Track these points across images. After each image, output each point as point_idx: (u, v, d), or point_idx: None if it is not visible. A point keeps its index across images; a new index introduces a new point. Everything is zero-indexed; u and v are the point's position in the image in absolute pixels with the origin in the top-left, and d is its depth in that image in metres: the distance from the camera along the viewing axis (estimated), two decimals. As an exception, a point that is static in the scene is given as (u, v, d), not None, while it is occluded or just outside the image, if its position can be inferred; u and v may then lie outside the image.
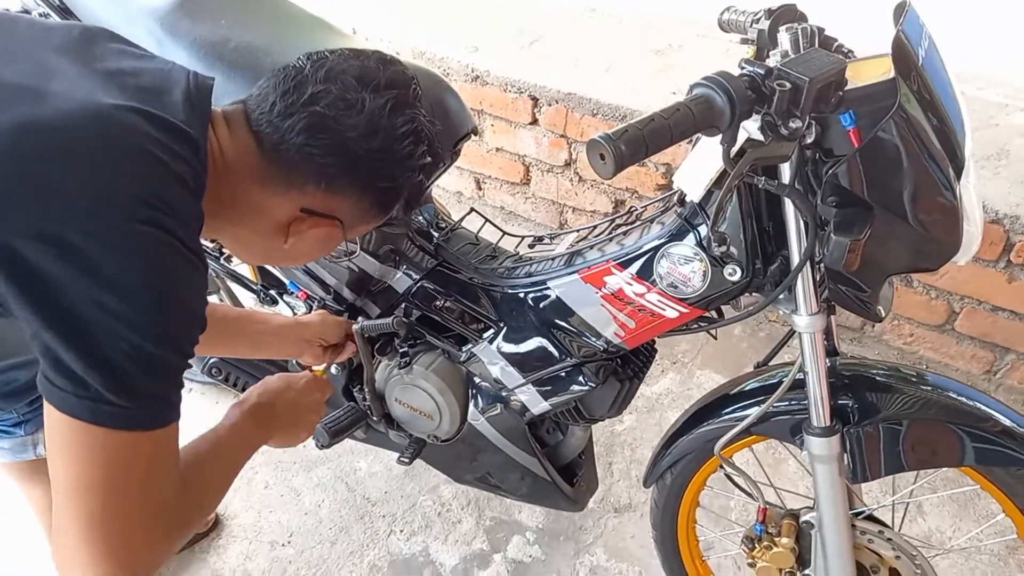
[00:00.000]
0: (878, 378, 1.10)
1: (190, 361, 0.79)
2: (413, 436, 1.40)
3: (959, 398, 1.06)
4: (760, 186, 0.87)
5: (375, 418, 1.39)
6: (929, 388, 1.08)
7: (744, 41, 1.07)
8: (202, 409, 1.87)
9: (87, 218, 0.68)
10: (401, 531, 1.65)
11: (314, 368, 1.36)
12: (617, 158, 0.73)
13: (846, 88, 0.83)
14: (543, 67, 2.25)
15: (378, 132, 0.86)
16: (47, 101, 0.73)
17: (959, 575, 1.47)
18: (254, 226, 0.90)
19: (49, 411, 0.71)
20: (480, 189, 2.59)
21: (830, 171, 0.86)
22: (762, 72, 0.79)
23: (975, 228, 0.92)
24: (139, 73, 0.83)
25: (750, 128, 0.83)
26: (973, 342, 1.87)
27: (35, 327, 0.69)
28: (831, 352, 1.14)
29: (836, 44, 1.01)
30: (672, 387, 1.94)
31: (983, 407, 1.04)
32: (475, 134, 1.30)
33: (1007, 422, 1.03)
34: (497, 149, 2.43)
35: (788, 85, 0.77)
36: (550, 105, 2.21)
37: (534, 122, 2.28)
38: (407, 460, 1.37)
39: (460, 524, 1.65)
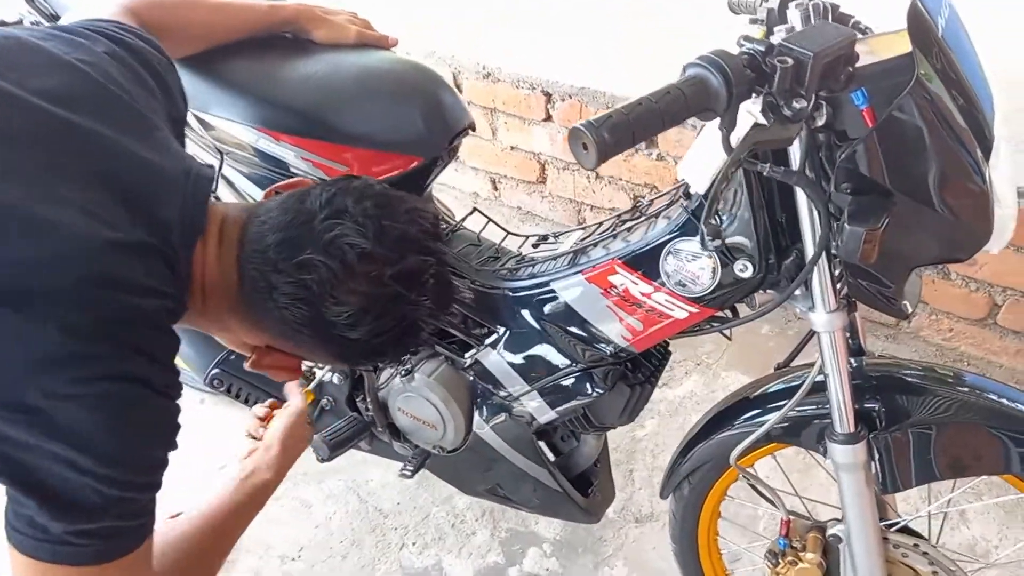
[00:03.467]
0: (910, 379, 1.02)
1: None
2: (418, 447, 1.34)
3: (1000, 400, 0.98)
4: (766, 173, 0.80)
5: (379, 429, 1.34)
6: (966, 389, 1.00)
7: (753, 21, 1.00)
8: (208, 419, 1.84)
9: (48, 379, 0.65)
10: (414, 544, 1.60)
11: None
12: (600, 147, 0.67)
13: (858, 64, 0.76)
14: (555, 60, 2.18)
15: (360, 326, 0.79)
16: (43, 240, 0.67)
17: None
18: (222, 335, 0.92)
19: (11, 552, 0.69)
20: (496, 189, 2.53)
21: (843, 155, 0.78)
22: (762, 48, 0.72)
23: (1009, 212, 0.84)
24: (134, 168, 0.77)
25: (752, 110, 0.76)
26: (1018, 336, 1.76)
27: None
28: (856, 352, 1.06)
29: (852, 21, 0.94)
30: (696, 389, 1.86)
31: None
32: (472, 130, 1.24)
33: (1053, 425, 0.94)
34: (512, 147, 2.37)
35: (790, 61, 0.70)
36: (563, 100, 2.15)
37: (548, 118, 2.22)
38: (409, 473, 1.32)
39: (474, 536, 1.60)
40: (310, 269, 0.76)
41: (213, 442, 1.80)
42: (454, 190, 2.62)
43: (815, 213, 0.86)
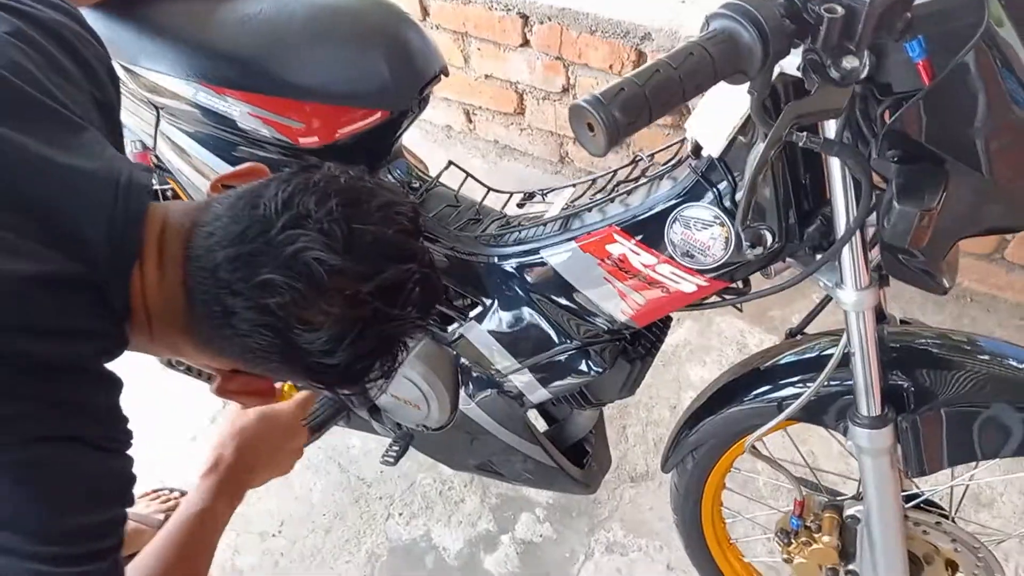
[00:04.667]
0: (931, 351, 0.93)
1: None
2: (400, 428, 1.24)
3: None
4: (802, 144, 0.67)
5: (358, 408, 1.24)
6: (987, 358, 0.91)
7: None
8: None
9: None
10: (400, 514, 1.52)
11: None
12: (610, 129, 0.54)
13: (914, 4, 0.62)
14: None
15: (337, 352, 0.66)
16: None
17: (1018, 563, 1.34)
18: (180, 358, 0.81)
19: None
20: (471, 122, 2.36)
21: (894, 117, 0.65)
22: (805, -8, 0.58)
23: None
24: (49, 180, 0.62)
25: (786, 66, 0.63)
26: (1024, 271, 1.68)
27: None
28: (878, 318, 0.96)
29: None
30: (690, 338, 1.77)
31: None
32: (444, 75, 1.09)
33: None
34: (486, 76, 2.19)
35: (840, 10, 0.57)
36: (542, 23, 1.96)
37: (525, 44, 2.04)
38: (391, 460, 1.23)
39: (463, 504, 1.53)
40: (272, 291, 0.63)
41: (179, 412, 1.70)
42: (425, 123, 2.44)
43: (849, 181, 0.74)
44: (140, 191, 0.66)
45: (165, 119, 1.14)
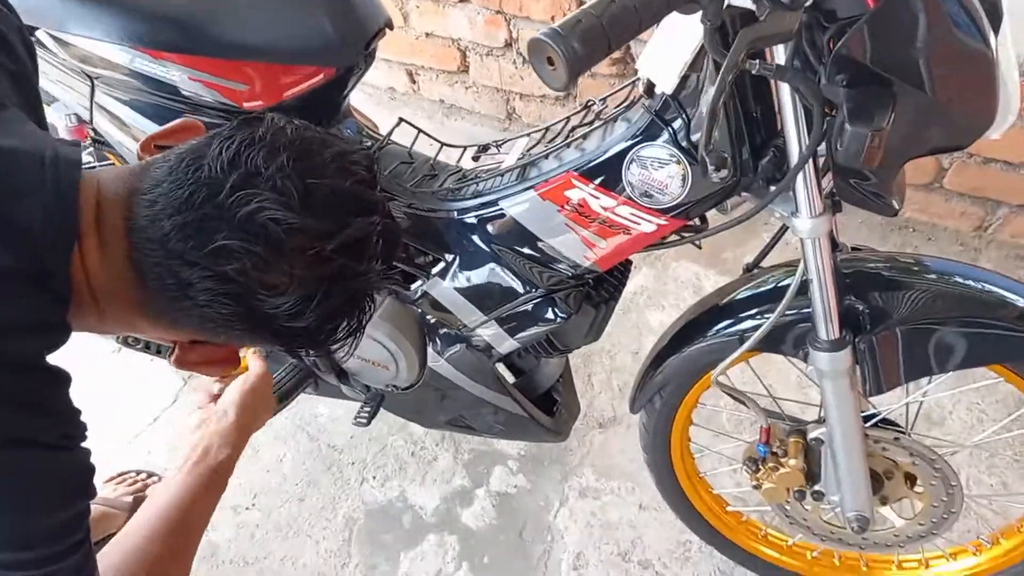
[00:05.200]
0: (882, 273, 0.96)
1: None
2: (370, 390, 1.24)
3: (970, 284, 0.93)
4: (755, 72, 0.68)
5: (324, 374, 1.23)
6: (934, 277, 0.95)
7: None
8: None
9: None
10: (374, 477, 1.53)
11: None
12: (570, 61, 0.54)
13: (857, -73, 0.63)
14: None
15: (305, 314, 0.63)
16: None
17: (981, 472, 1.40)
18: (135, 333, 0.77)
19: None
20: (414, 83, 2.33)
21: (842, 41, 0.67)
22: (750, -83, 0.59)
23: (1012, 92, 0.75)
24: None
25: (740, -2, 0.64)
26: (963, 199, 1.74)
27: None
28: (832, 247, 0.99)
29: None
30: (647, 283, 1.80)
31: (994, 290, 0.92)
32: (390, 28, 1.06)
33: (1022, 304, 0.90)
34: (427, 35, 2.16)
35: (787, -68, 0.57)
36: (480, -23, 1.94)
37: (465, -1, 2.01)
38: (364, 421, 1.23)
39: (436, 462, 1.54)
40: (228, 257, 0.60)
41: (134, 395, 1.67)
42: (366, 86, 2.39)
43: (800, 110, 0.76)
44: (69, 166, 0.62)
45: (100, 89, 1.09)
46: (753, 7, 0.62)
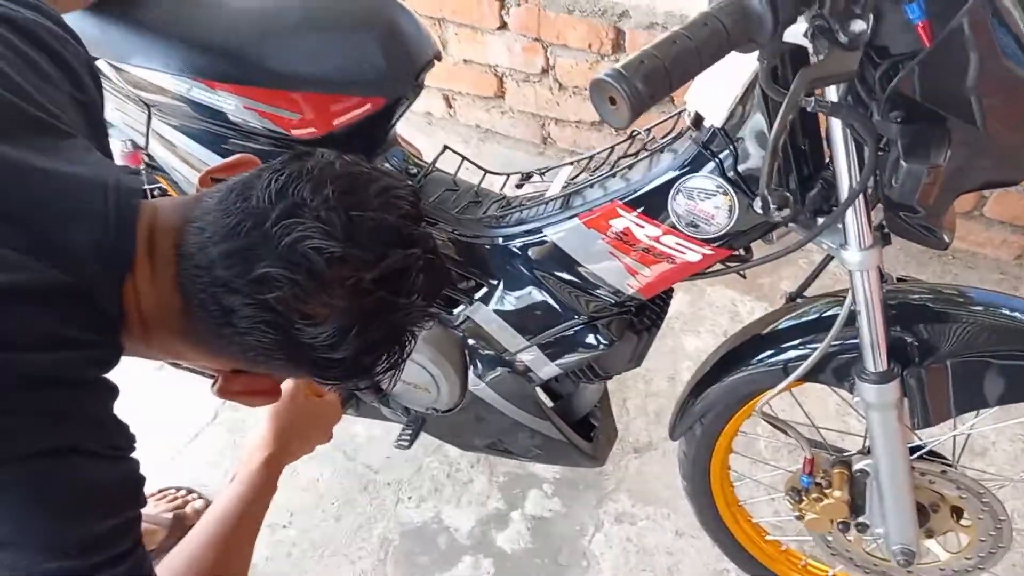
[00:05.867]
0: (928, 304, 0.96)
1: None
2: (409, 412, 1.26)
3: (1017, 316, 0.92)
4: (810, 109, 0.68)
5: (365, 394, 1.25)
6: (980, 309, 0.94)
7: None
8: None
9: None
10: (409, 498, 1.54)
11: None
12: (633, 101, 0.55)
13: (913, -33, 0.64)
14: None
15: (343, 345, 0.64)
16: None
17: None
18: (180, 360, 0.79)
19: None
20: (451, 107, 2.36)
21: (898, 77, 0.67)
22: (808, -42, 0.60)
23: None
24: (31, 186, 0.61)
25: (794, 34, 0.64)
26: (1004, 227, 1.73)
27: None
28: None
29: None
30: (682, 309, 1.80)
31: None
32: (438, 59, 1.09)
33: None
34: (465, 61, 2.19)
35: (846, -27, 0.58)
36: (518, 5, 1.97)
37: (503, 27, 2.04)
38: (406, 444, 1.24)
39: (472, 484, 1.54)
40: (270, 285, 0.61)
41: (181, 410, 1.70)
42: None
43: (851, 144, 0.76)
44: (130, 194, 0.65)
45: (157, 116, 1.13)
46: (809, 46, 0.62)
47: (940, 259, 1.84)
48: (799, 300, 1.07)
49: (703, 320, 1.77)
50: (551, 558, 1.43)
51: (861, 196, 0.80)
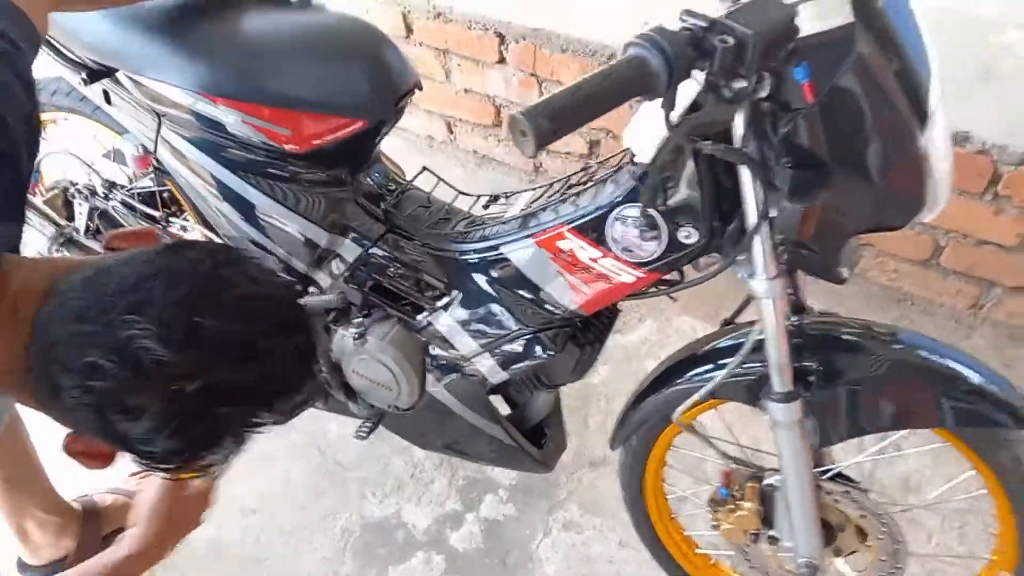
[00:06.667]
0: (847, 337, 1.05)
1: None
2: (373, 407, 1.36)
3: (930, 357, 1.02)
4: (706, 151, 0.80)
5: (333, 389, 1.35)
6: (900, 347, 1.04)
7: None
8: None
9: None
10: (373, 494, 1.63)
11: None
12: (538, 135, 0.66)
13: (799, 36, 0.76)
14: None
15: (156, 442, 0.66)
16: None
17: (927, 531, 1.46)
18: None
19: None
20: (451, 132, 2.49)
21: (782, 132, 0.79)
22: (704, 25, 0.71)
23: (942, 182, 0.86)
24: None
25: (691, 92, 0.76)
26: (959, 277, 1.82)
27: None
28: (797, 309, 1.09)
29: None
30: (649, 335, 1.90)
31: (953, 364, 1.00)
32: (419, 88, 1.21)
33: (977, 379, 0.98)
34: (466, 90, 2.32)
35: (731, 40, 0.69)
36: (517, 42, 2.10)
37: (502, 61, 2.17)
38: (364, 434, 1.34)
39: (433, 485, 1.64)
40: (98, 374, 0.63)
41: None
42: (409, 133, 2.57)
43: (757, 183, 0.87)
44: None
45: (166, 125, 1.25)
46: (698, 99, 0.74)
47: (899, 304, 1.93)
48: (734, 324, 1.17)
49: (667, 346, 1.86)
50: (500, 559, 1.52)
51: (767, 230, 0.91)
